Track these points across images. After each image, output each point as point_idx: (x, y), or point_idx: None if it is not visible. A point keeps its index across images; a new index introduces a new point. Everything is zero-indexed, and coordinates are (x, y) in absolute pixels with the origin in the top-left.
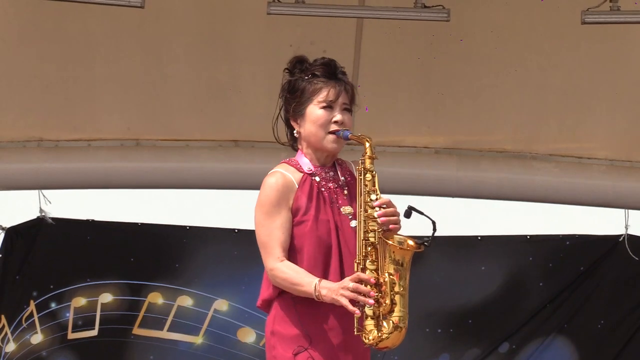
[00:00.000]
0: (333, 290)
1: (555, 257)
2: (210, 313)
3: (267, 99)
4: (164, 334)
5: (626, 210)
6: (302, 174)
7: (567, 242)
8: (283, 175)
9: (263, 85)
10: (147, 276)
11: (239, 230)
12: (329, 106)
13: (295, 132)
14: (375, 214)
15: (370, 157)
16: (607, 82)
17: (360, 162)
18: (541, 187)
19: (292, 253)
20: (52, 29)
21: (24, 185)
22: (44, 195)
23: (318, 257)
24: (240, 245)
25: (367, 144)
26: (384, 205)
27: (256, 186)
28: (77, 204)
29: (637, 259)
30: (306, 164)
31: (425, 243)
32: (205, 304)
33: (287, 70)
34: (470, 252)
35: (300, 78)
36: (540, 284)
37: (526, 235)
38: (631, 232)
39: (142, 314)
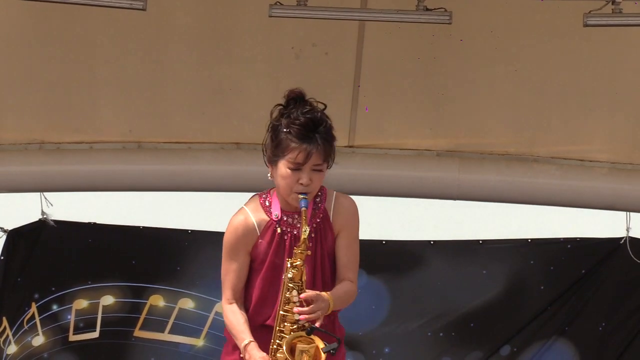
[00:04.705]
0: (249, 355)
1: (557, 260)
2: (212, 315)
3: (269, 102)
4: (165, 336)
5: (627, 212)
6: (269, 219)
7: (569, 245)
8: (246, 220)
9: (265, 87)
10: (149, 279)
11: None
12: (297, 168)
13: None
14: (295, 309)
15: (301, 253)
16: (609, 85)
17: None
18: (543, 190)
19: (247, 285)
20: (54, 31)
21: (26, 187)
22: (45, 198)
23: (267, 296)
24: None
25: (304, 235)
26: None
27: (258, 189)
28: (78, 207)
29: (638, 261)
30: (276, 209)
31: (332, 351)
32: (206, 306)
33: (280, 105)
34: (471, 255)
35: (282, 126)
36: (542, 287)
37: (527, 239)
38: (632, 234)
39: (143, 316)
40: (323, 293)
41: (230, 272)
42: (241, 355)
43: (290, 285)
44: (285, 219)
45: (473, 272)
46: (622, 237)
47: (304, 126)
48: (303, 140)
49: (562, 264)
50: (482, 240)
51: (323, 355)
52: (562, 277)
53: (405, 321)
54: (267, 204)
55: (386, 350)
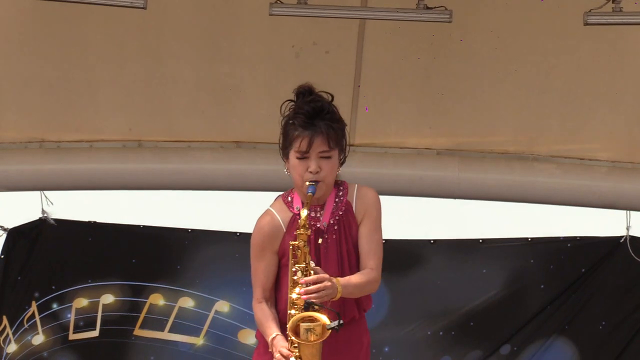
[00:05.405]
0: (275, 348)
1: (557, 259)
2: (211, 314)
3: (269, 100)
4: (165, 335)
5: (628, 211)
6: (293, 214)
7: (569, 244)
8: (272, 219)
9: (265, 86)
10: (149, 277)
11: (240, 233)
12: (303, 157)
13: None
14: (302, 290)
15: (302, 234)
16: (609, 83)
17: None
18: (543, 188)
19: (277, 285)
20: (54, 30)
21: (26, 186)
22: (45, 197)
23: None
24: (241, 247)
25: (303, 216)
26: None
27: (258, 187)
28: (78, 205)
29: (638, 260)
30: (297, 203)
31: (336, 328)
32: (206, 305)
33: (290, 101)
34: (471, 254)
35: (289, 118)
36: (542, 286)
37: (527, 238)
38: (632, 233)
39: (143, 315)
40: (332, 278)
41: (258, 272)
42: (269, 350)
43: (295, 268)
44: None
45: (473, 271)
46: (622, 236)
47: (306, 114)
48: (305, 128)
49: (562, 263)
50: (482, 239)
51: (328, 332)
52: (562, 276)
53: (405, 320)
54: (289, 199)
55: (386, 349)
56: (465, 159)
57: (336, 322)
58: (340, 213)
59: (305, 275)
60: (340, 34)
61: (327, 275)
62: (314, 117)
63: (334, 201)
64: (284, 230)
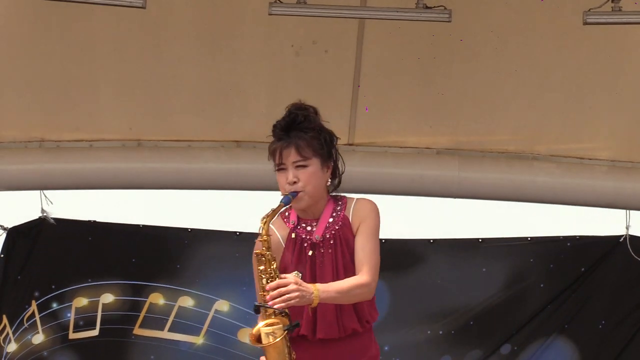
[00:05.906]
0: None
1: (557, 258)
2: (211, 313)
3: (269, 100)
4: (165, 334)
5: (627, 210)
6: (290, 229)
7: (568, 243)
8: (273, 234)
9: (265, 85)
10: (149, 277)
11: (240, 233)
12: (281, 168)
13: None
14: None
15: (263, 240)
16: (609, 83)
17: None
18: (542, 187)
19: None
20: (54, 29)
21: (26, 185)
22: (45, 196)
23: (294, 307)
24: (241, 246)
25: (261, 224)
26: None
27: (258, 187)
28: (78, 205)
29: (638, 259)
30: (293, 217)
31: (291, 329)
32: (206, 304)
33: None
34: (471, 253)
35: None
36: (542, 285)
37: (527, 237)
38: (632, 232)
39: (143, 314)
40: (305, 284)
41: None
42: None
43: (262, 275)
44: (304, 226)
45: (473, 271)
46: (622, 235)
47: (279, 127)
48: (278, 140)
49: (561, 262)
50: (481, 238)
51: (284, 333)
52: (562, 275)
53: (405, 320)
54: (287, 214)
55: (386, 348)
56: (465, 158)
57: (294, 323)
58: (337, 227)
59: (270, 281)
60: (339, 33)
61: (292, 280)
62: (287, 129)
63: (331, 215)
64: (283, 247)
